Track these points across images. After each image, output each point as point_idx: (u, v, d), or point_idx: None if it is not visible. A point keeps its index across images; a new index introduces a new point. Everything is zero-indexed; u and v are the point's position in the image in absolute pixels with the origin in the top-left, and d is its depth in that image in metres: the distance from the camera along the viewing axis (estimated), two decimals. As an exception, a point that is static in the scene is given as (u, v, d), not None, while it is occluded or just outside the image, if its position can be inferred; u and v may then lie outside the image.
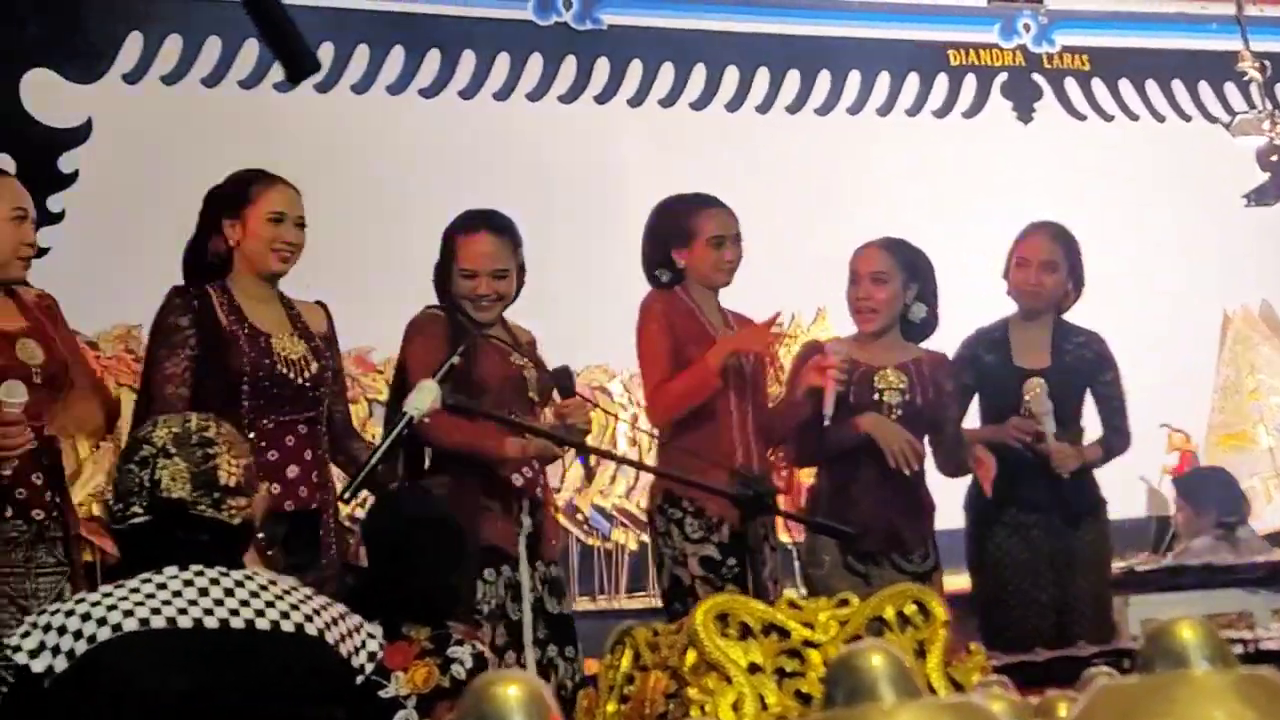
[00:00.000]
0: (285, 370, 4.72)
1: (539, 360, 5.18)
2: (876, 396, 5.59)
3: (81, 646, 2.85)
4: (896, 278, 5.62)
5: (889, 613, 3.36)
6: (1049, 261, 5.87)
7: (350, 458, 4.87)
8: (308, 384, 4.76)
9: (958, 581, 5.95)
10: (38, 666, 2.85)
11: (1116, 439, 5.97)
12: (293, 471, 4.69)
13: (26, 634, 2.89)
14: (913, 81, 9.14)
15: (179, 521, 3.01)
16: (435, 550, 4.16)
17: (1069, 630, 5.62)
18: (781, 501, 5.99)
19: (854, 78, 9.00)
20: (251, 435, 4.53)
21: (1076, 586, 5.77)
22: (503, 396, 4.99)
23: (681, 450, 5.23)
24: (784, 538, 5.61)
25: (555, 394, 5.05)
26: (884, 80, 9.07)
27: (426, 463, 5.04)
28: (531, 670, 4.88)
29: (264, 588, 3.02)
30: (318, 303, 5.00)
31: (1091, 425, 6.00)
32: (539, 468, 5.11)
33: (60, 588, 4.44)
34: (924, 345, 5.74)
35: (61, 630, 2.87)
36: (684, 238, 5.39)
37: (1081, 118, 9.49)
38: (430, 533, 4.18)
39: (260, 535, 3.74)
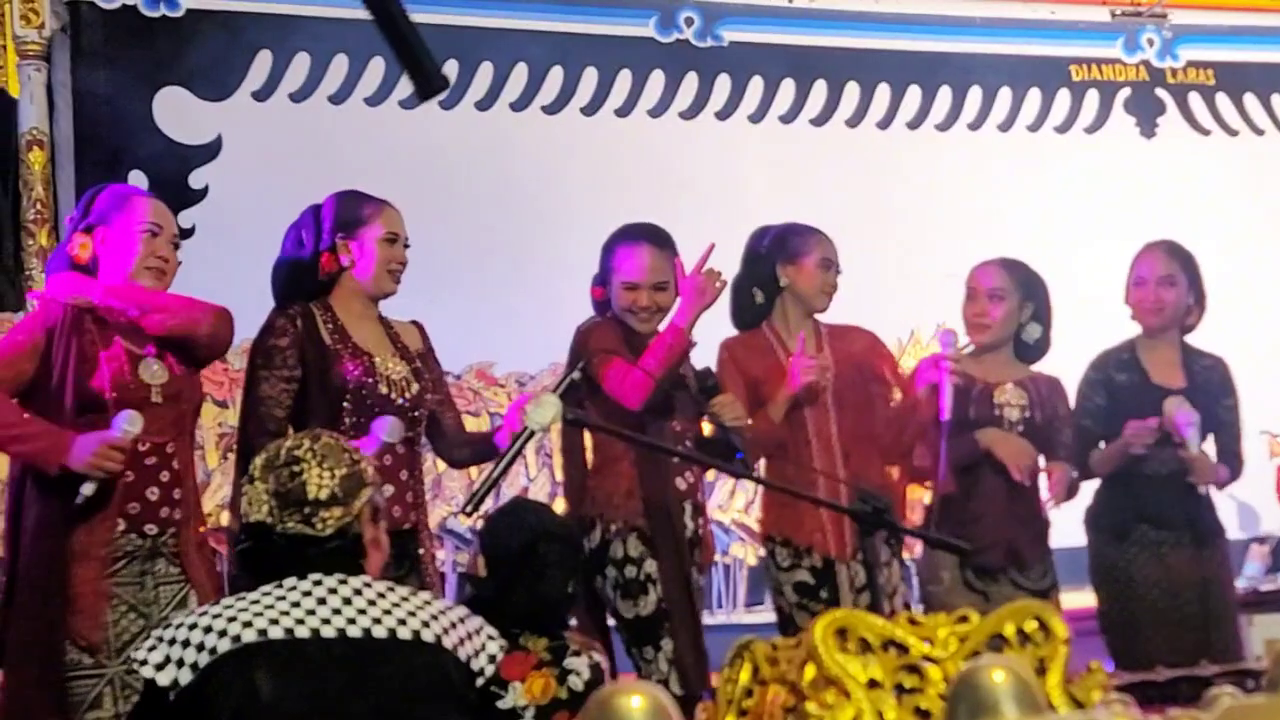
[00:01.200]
0: (387, 390, 4.76)
1: (691, 368, 5.22)
2: (997, 412, 5.56)
3: (204, 659, 2.89)
4: (1013, 296, 5.60)
5: (1009, 630, 3.35)
6: (1167, 276, 5.80)
7: (462, 462, 4.95)
8: (407, 404, 4.80)
9: (1075, 600, 5.89)
10: (163, 680, 2.89)
11: (1234, 465, 5.89)
12: (388, 490, 4.71)
13: (153, 648, 2.94)
14: (1034, 97, 9.09)
15: (270, 541, 3.05)
16: (556, 561, 4.20)
17: (1199, 649, 5.55)
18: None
19: (975, 93, 8.97)
20: None
21: (1206, 606, 5.71)
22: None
23: (778, 468, 5.29)
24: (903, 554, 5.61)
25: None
26: (1005, 96, 9.03)
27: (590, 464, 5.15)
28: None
29: (381, 595, 3.04)
30: (412, 322, 5.06)
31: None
32: (699, 473, 5.17)
33: (182, 595, 4.51)
34: (1035, 368, 5.72)
35: (185, 644, 2.91)
36: (794, 255, 5.41)
37: (1206, 133, 9.39)
38: (552, 543, 4.21)
39: None
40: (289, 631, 2.93)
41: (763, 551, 6.39)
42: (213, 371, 6.90)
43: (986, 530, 5.41)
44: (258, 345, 4.80)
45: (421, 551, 4.81)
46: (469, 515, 4.70)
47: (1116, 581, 5.72)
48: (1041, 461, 5.63)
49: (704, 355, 5.25)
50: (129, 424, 4.38)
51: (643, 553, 5.03)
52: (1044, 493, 5.60)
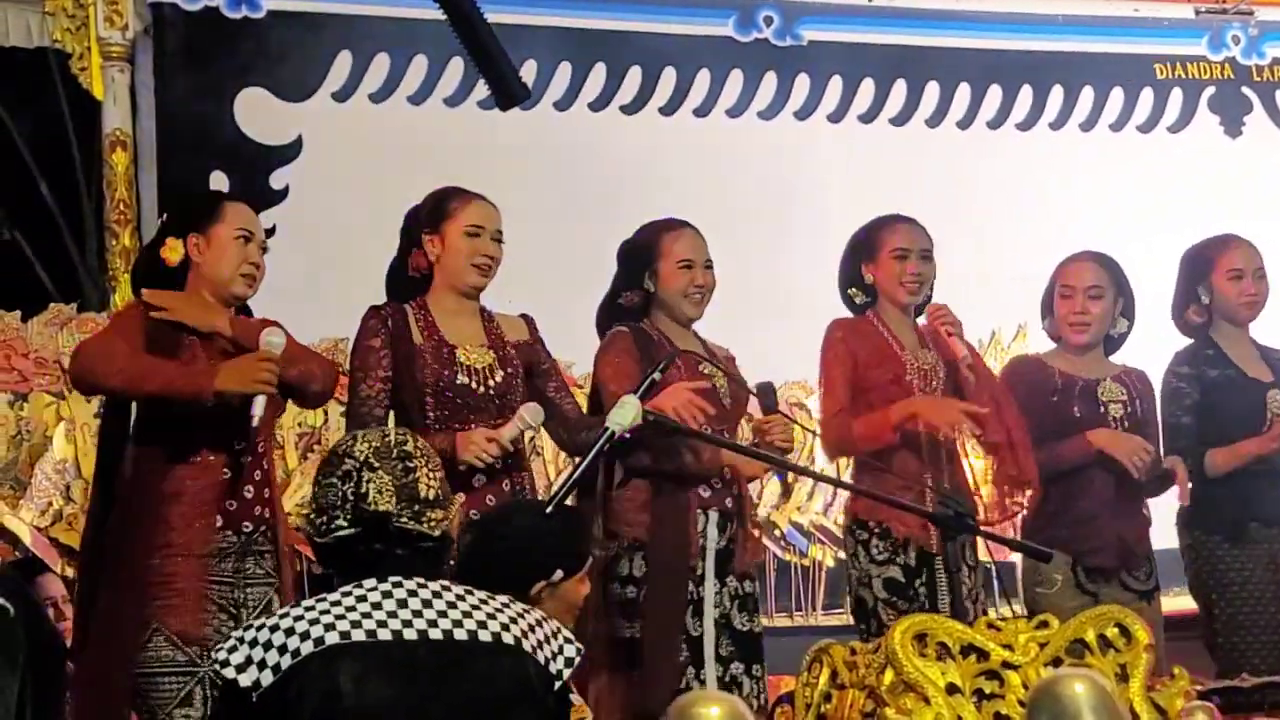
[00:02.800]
0: (466, 379, 4.76)
1: (735, 373, 5.16)
2: (1102, 409, 5.54)
3: (286, 661, 2.90)
4: (1109, 292, 5.59)
5: (1090, 635, 3.33)
6: (1260, 269, 5.83)
7: (587, 444, 4.90)
8: (492, 393, 4.79)
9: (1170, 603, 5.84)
10: (245, 681, 2.90)
11: None
12: (479, 481, 4.73)
13: (233, 649, 2.94)
14: (1117, 96, 9.01)
15: (382, 534, 3.05)
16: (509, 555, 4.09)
17: None
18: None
19: (1056, 92, 8.90)
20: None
21: None
22: None
23: (875, 468, 5.21)
24: (983, 556, 5.55)
25: (759, 409, 5.04)
26: (1087, 95, 8.95)
27: (617, 477, 5.07)
28: (711, 686, 4.87)
29: (461, 598, 3.05)
30: (522, 316, 5.05)
31: None
32: (727, 480, 5.08)
33: (268, 598, 4.55)
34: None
35: (267, 645, 2.92)
36: (871, 252, 5.38)
37: (1293, 131, 9.29)
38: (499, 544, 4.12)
39: None
40: (371, 634, 2.93)
41: (842, 554, 6.36)
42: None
43: (1099, 530, 5.40)
44: (355, 347, 4.87)
45: None
46: (549, 517, 4.69)
47: (1229, 585, 5.66)
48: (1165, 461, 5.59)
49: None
50: (275, 337, 4.47)
51: (645, 575, 4.97)
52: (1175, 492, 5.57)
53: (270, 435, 4.70)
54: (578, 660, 3.11)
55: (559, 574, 3.92)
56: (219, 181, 7.24)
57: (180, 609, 4.43)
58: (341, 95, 7.81)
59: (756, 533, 5.24)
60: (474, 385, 4.77)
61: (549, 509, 4.16)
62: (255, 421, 4.42)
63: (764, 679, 5.02)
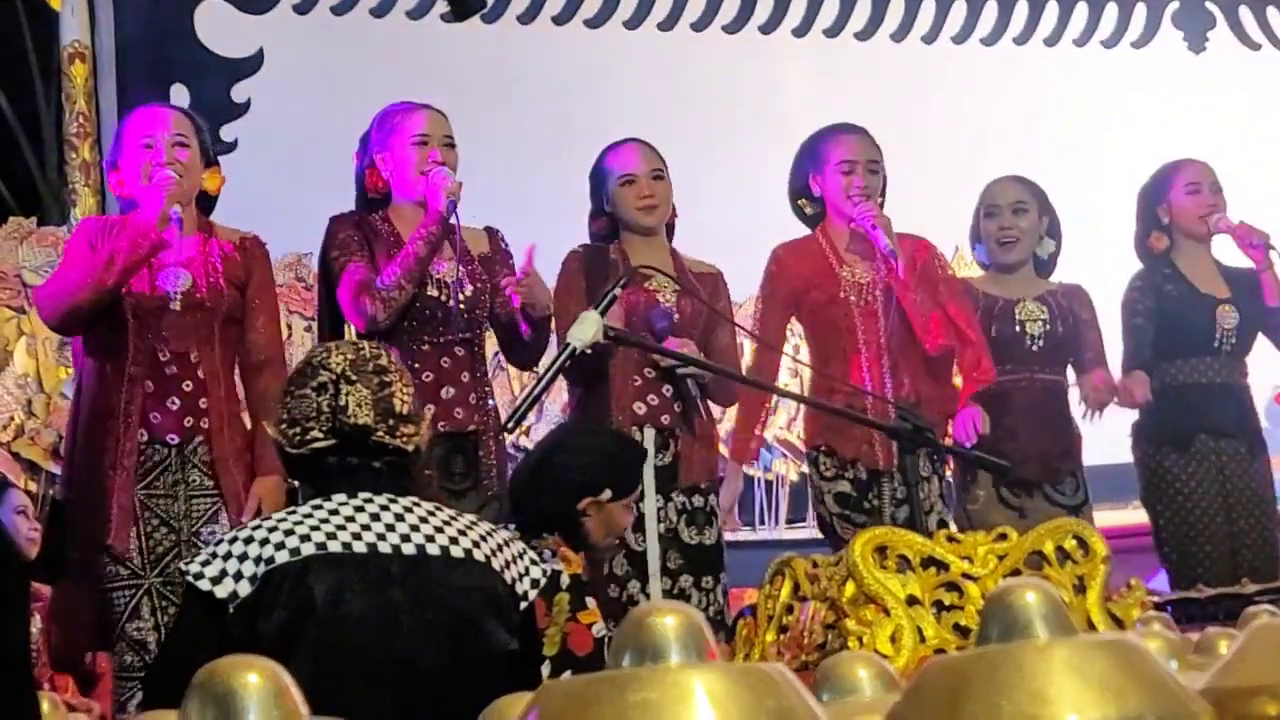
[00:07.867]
0: (435, 292, 4.76)
1: (692, 287, 5.12)
2: (1019, 329, 5.56)
3: (261, 570, 2.90)
4: (1034, 209, 5.61)
5: (1048, 547, 3.36)
6: (1215, 182, 5.85)
7: (521, 363, 4.91)
8: (462, 306, 4.79)
9: (1109, 518, 5.89)
10: (221, 593, 2.90)
11: None
12: (447, 393, 4.72)
13: (206, 562, 2.94)
14: (1081, 11, 8.99)
15: (359, 447, 3.05)
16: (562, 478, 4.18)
17: (1243, 566, 5.56)
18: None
19: (1021, 7, 8.88)
20: (407, 358, 4.61)
21: (1251, 520, 5.71)
22: (632, 326, 4.97)
23: (824, 378, 5.25)
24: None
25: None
26: (1052, 10, 8.94)
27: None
28: (656, 599, 4.88)
29: (431, 514, 3.06)
30: (485, 228, 5.03)
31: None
32: (667, 396, 5.08)
33: (214, 509, 4.53)
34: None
35: (242, 557, 2.92)
36: (817, 164, 5.34)
37: (1256, 47, 9.28)
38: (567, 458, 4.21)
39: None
40: (346, 546, 2.94)
41: (805, 468, 6.40)
42: (292, 290, 6.94)
43: (1022, 445, 5.42)
44: (326, 248, 4.83)
45: (482, 454, 4.79)
46: (510, 431, 4.69)
47: (1176, 495, 5.71)
48: (1071, 377, 5.64)
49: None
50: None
51: None
52: (1075, 406, 5.61)
53: (211, 345, 4.63)
54: (543, 582, 3.13)
55: (608, 493, 4.14)
56: (179, 94, 7.19)
57: (115, 523, 4.42)
58: (303, 7, 7.75)
59: (722, 447, 5.25)
60: (444, 298, 4.76)
61: (509, 424, 4.19)
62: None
63: (716, 590, 5.03)
